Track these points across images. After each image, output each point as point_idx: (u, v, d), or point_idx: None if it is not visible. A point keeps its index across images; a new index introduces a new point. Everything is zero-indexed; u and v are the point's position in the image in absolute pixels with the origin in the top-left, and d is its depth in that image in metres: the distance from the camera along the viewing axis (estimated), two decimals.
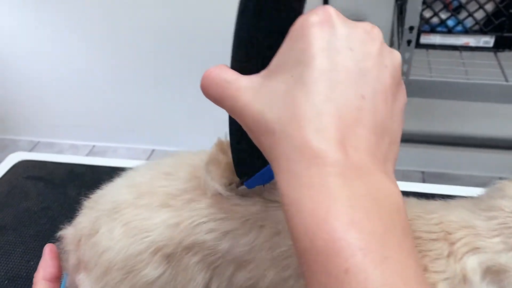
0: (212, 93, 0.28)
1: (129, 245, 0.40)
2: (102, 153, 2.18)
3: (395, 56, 0.28)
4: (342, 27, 0.26)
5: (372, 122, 0.25)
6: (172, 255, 0.40)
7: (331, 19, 0.26)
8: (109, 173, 0.83)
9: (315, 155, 0.23)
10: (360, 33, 0.27)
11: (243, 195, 0.40)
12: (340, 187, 0.22)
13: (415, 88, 1.23)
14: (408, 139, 1.86)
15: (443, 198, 0.46)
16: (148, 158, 2.11)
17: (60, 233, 0.47)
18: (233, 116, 0.28)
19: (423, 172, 1.99)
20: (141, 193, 0.43)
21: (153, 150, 2.17)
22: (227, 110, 0.28)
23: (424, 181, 1.94)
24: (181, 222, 0.40)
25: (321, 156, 0.23)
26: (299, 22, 0.26)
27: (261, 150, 0.27)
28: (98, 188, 0.80)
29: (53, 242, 0.70)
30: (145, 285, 0.41)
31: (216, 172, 0.40)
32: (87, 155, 2.17)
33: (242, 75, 0.28)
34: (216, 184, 0.39)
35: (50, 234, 0.72)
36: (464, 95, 1.23)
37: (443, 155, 1.92)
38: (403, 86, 0.29)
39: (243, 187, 0.38)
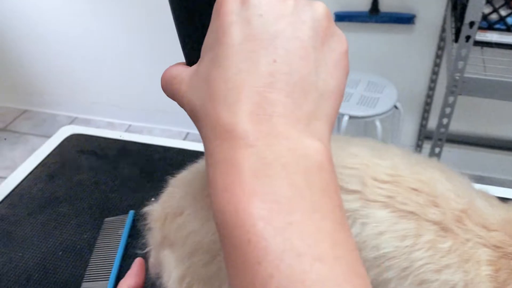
0: (167, 91, 0.29)
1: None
2: (137, 132, 2.19)
3: (315, 7, 0.27)
4: None
5: (289, 83, 0.24)
6: None
7: None
8: (160, 153, 0.84)
9: (226, 131, 0.23)
10: None
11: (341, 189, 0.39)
12: (248, 158, 0.22)
13: (469, 86, 1.19)
14: (450, 139, 1.81)
15: None
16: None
17: (145, 209, 0.47)
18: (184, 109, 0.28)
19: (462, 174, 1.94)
20: None
21: (187, 133, 2.18)
22: (179, 105, 0.28)
23: None
24: None
25: (232, 130, 0.23)
26: (216, 2, 0.27)
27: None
28: (150, 166, 0.80)
29: (106, 217, 0.71)
30: None
31: None
32: None
33: (187, 68, 0.28)
34: None
35: (103, 208, 0.73)
36: None
37: (485, 157, 1.87)
38: (337, 34, 0.28)
39: None
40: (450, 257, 0.37)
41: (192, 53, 0.29)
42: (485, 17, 1.27)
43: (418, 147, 1.91)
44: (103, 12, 1.93)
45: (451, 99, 1.22)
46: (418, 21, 1.63)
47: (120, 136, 0.88)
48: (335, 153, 0.43)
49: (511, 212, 0.41)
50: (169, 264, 0.42)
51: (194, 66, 0.28)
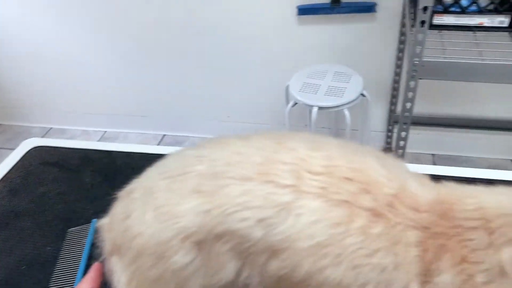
0: None
1: (160, 230, 0.40)
2: (113, 138, 2.19)
3: None
4: None
5: None
6: (203, 243, 0.40)
7: None
8: (122, 158, 0.84)
9: None
10: None
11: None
12: None
13: (428, 70, 1.21)
14: (418, 121, 1.84)
15: (454, 180, 0.45)
16: (159, 144, 2.12)
17: (97, 225, 0.48)
18: None
19: (433, 155, 1.98)
20: (173, 177, 0.43)
21: (163, 136, 2.17)
22: None
23: (434, 164, 1.93)
24: (212, 209, 0.40)
25: None
26: None
27: None
28: (113, 174, 0.81)
29: (70, 227, 0.71)
30: (175, 272, 0.40)
31: None
32: (98, 141, 2.18)
33: None
34: None
35: (67, 219, 0.73)
36: (478, 76, 1.21)
37: (454, 137, 1.91)
38: None
39: None
40: (381, 241, 0.39)
41: None
42: (440, 1, 1.30)
43: (389, 132, 1.94)
44: (70, 20, 1.91)
45: (412, 83, 1.24)
46: (379, 9, 1.65)
47: (81, 145, 0.88)
48: (274, 149, 0.45)
49: (441, 192, 0.42)
50: (118, 270, 0.43)
51: None
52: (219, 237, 0.40)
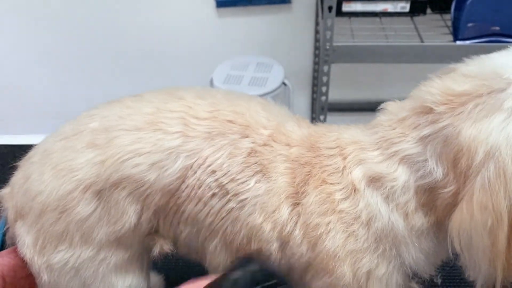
0: None
1: (60, 185, 0.42)
2: None
3: None
4: None
5: None
6: (102, 192, 0.43)
7: None
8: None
9: None
10: None
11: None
12: None
13: (339, 54, 1.28)
14: (334, 108, 1.92)
15: None
16: None
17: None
18: None
19: None
20: (68, 137, 0.46)
21: None
22: None
23: None
24: (107, 159, 0.43)
25: None
26: None
27: None
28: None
29: None
30: (79, 222, 0.43)
31: None
32: None
33: None
34: None
35: None
36: (384, 58, 1.29)
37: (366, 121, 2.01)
38: None
39: None
40: (256, 173, 0.47)
41: None
42: None
43: (313, 118, 2.01)
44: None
45: (325, 68, 1.30)
46: (294, 0, 1.71)
47: None
48: (163, 99, 0.50)
49: (312, 129, 0.50)
50: (22, 233, 0.45)
51: None
52: (116, 184, 0.43)
